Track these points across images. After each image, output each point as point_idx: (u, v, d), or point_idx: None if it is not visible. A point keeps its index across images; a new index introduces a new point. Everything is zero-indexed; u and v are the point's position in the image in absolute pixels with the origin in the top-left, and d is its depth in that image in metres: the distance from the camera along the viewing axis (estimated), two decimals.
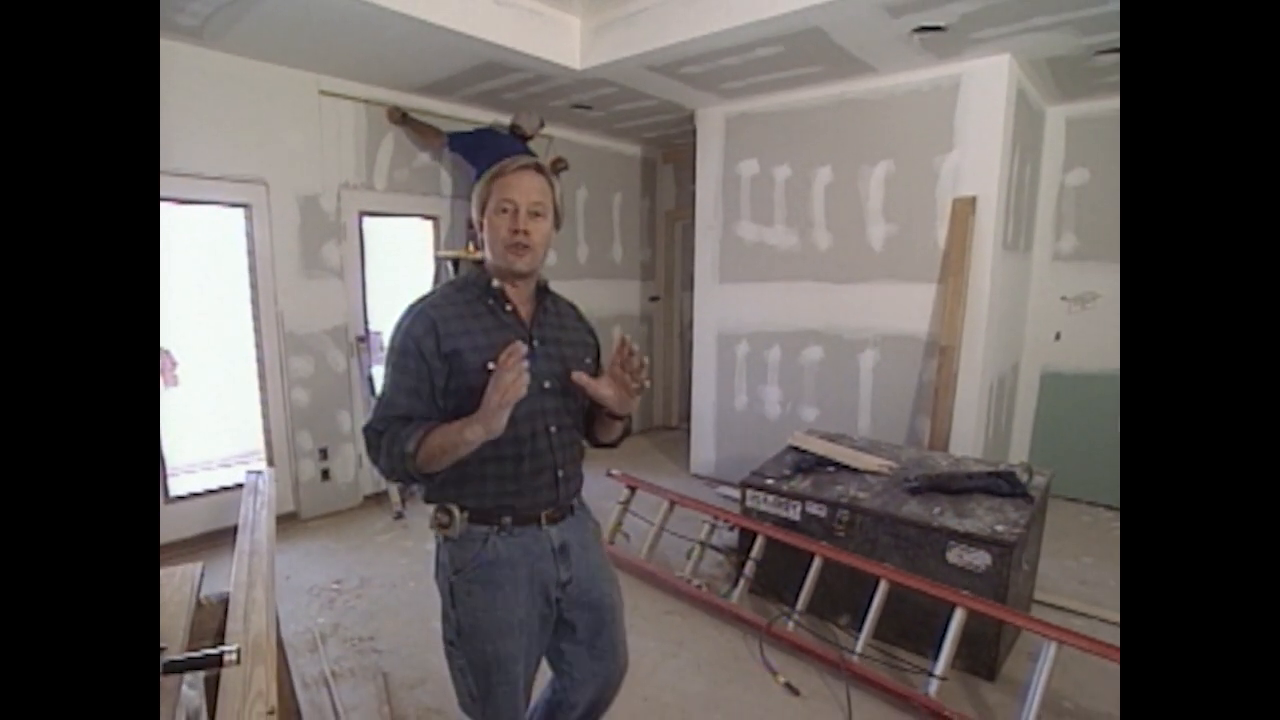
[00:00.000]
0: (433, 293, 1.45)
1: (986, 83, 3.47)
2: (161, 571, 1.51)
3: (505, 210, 1.36)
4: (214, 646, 1.35)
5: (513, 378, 1.20)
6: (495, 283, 1.42)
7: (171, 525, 3.45)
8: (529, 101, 4.33)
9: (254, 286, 3.70)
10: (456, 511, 1.39)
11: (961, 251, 3.56)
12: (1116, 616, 2.89)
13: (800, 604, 2.74)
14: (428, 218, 4.54)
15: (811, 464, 3.15)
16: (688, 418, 5.18)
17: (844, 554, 2.66)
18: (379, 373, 4.33)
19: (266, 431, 3.83)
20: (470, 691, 1.44)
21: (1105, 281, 4.21)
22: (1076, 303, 4.33)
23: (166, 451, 3.51)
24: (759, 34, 3.17)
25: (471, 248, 4.22)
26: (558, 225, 1.46)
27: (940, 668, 2.28)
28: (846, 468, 3.09)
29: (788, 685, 2.43)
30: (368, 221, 4.21)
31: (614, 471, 3.54)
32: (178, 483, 3.65)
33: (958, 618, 2.31)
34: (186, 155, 3.33)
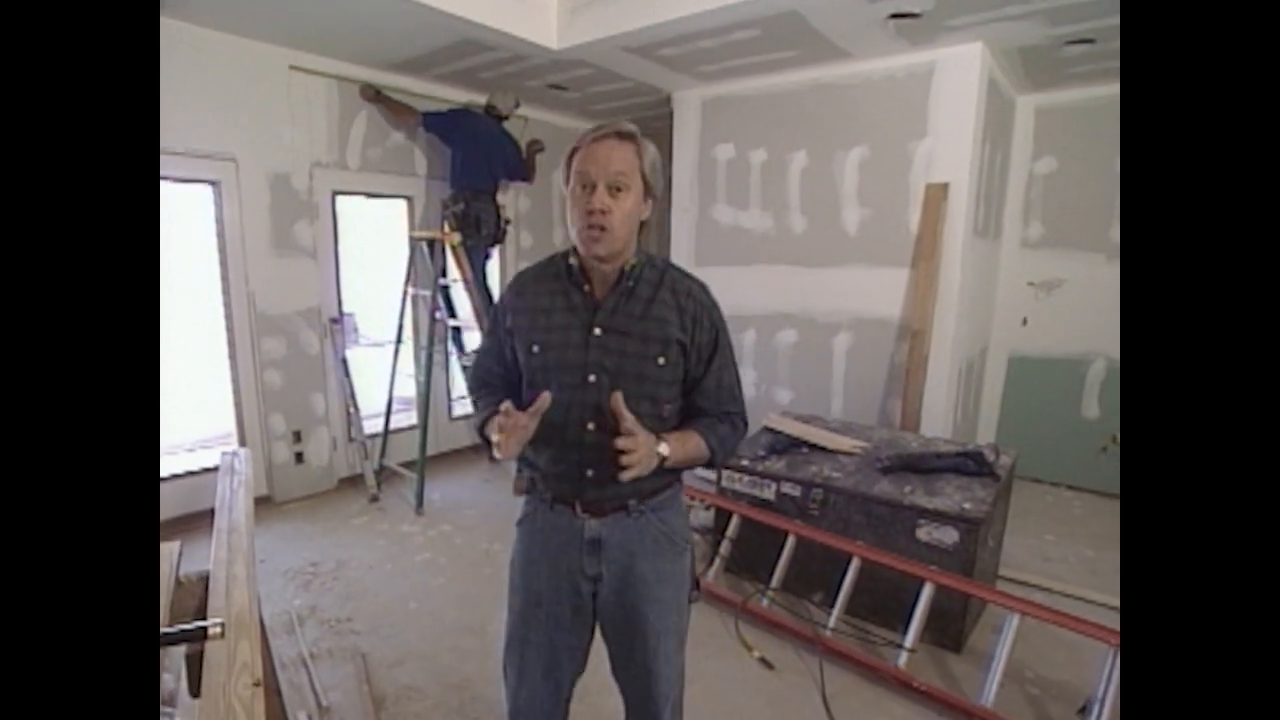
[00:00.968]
0: (531, 266, 1.44)
1: (959, 70, 3.52)
2: None
3: (584, 187, 1.24)
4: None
5: (500, 438, 1.18)
6: (572, 259, 1.34)
7: None
8: (504, 81, 4.28)
9: (224, 265, 3.62)
10: (525, 471, 1.42)
11: (933, 237, 3.62)
12: (1076, 591, 3.01)
13: (775, 581, 2.80)
14: (402, 198, 4.49)
15: (786, 445, 3.20)
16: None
17: (817, 532, 2.72)
18: (353, 355, 4.30)
19: (238, 414, 3.78)
20: (507, 635, 1.49)
21: (1071, 268, 4.32)
22: (1043, 289, 4.44)
23: None
24: (737, 16, 3.17)
25: (445, 229, 4.18)
26: (652, 198, 1.30)
27: (910, 640, 2.36)
28: (820, 448, 3.15)
29: (763, 660, 2.49)
30: (341, 201, 4.15)
31: None
32: None
33: (927, 592, 2.39)
34: None
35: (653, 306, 1.31)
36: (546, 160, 4.98)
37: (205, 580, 1.45)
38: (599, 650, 1.48)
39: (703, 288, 1.38)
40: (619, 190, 1.24)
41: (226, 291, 3.65)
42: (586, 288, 1.33)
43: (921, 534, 2.54)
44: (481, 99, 4.40)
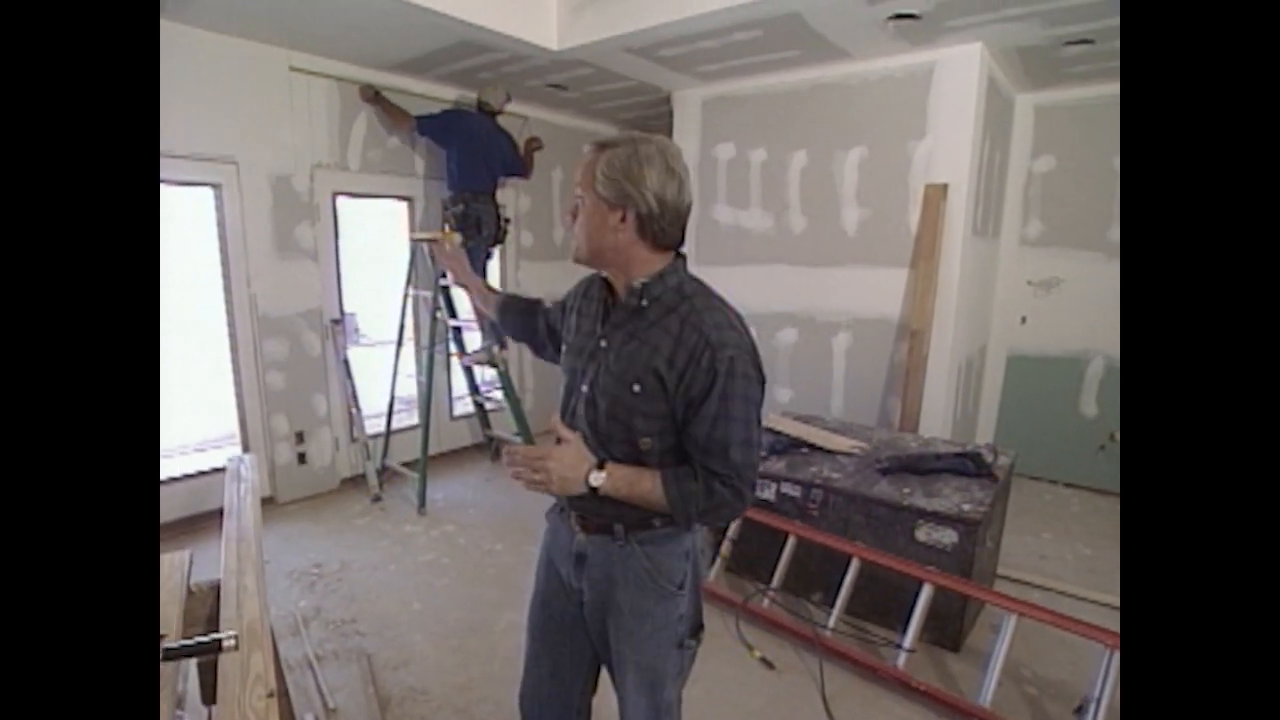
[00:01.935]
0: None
1: (959, 70, 3.53)
2: None
3: None
4: (206, 633, 1.37)
5: (512, 472, 1.23)
6: (603, 271, 1.35)
7: None
8: (505, 81, 4.28)
9: (225, 268, 3.63)
10: None
11: (933, 237, 3.64)
12: (1074, 589, 3.04)
13: (775, 581, 2.83)
14: (402, 199, 4.49)
15: (786, 445, 3.22)
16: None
17: (817, 533, 2.75)
18: (354, 355, 4.31)
19: (241, 415, 3.80)
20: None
21: (1069, 266, 4.34)
22: (1041, 287, 4.46)
23: None
24: (738, 18, 3.18)
25: (446, 229, 4.18)
26: (627, 206, 1.20)
27: (908, 641, 2.39)
28: (820, 449, 3.18)
29: (763, 659, 2.52)
30: (342, 202, 4.15)
31: None
32: None
33: (925, 593, 2.41)
34: None
35: (651, 330, 1.23)
36: (545, 158, 4.98)
37: (216, 589, 1.48)
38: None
39: (721, 326, 1.20)
40: (579, 201, 1.26)
41: (228, 293, 3.66)
42: (611, 300, 1.34)
43: (920, 535, 2.57)
44: (473, 95, 4.39)
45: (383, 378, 4.41)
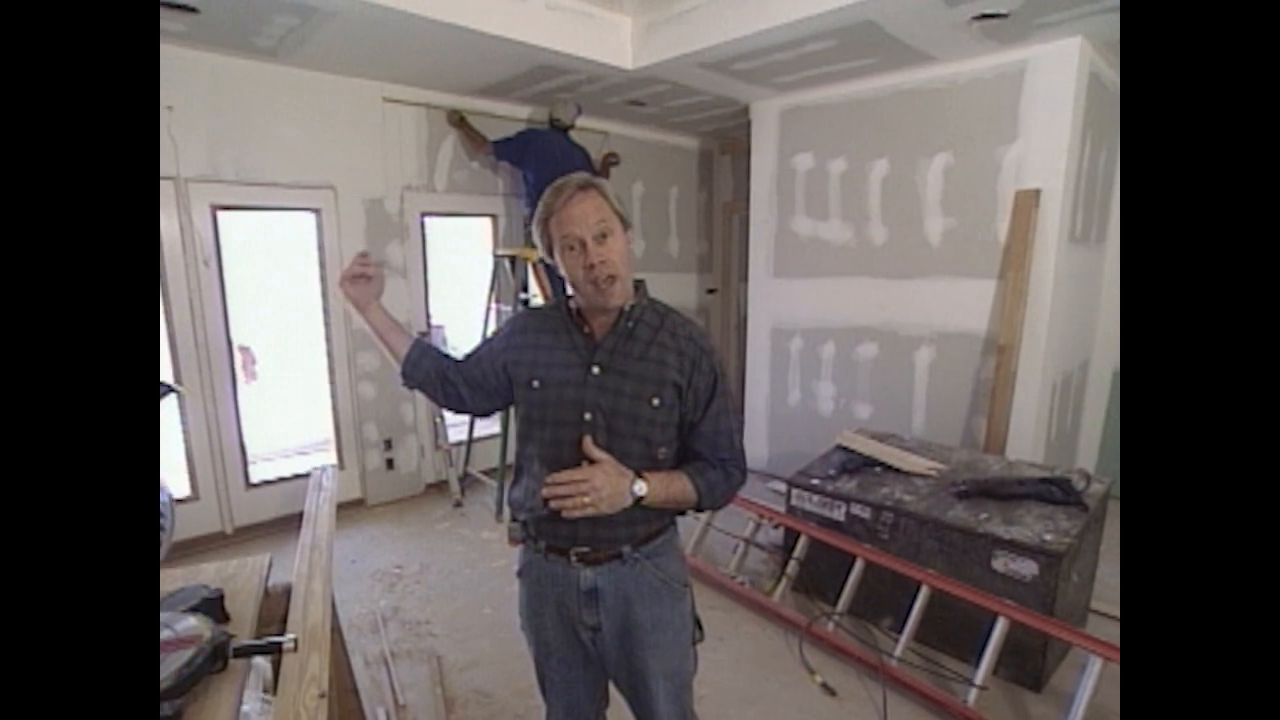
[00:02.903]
0: (534, 308, 1.51)
1: (1055, 68, 3.32)
2: (234, 562, 1.67)
3: (573, 249, 1.27)
4: (278, 632, 1.49)
5: (555, 503, 1.23)
6: (573, 303, 1.38)
7: (250, 510, 3.76)
8: (584, 100, 4.39)
9: (324, 285, 3.92)
10: (517, 526, 1.44)
11: (1023, 246, 3.43)
12: None
13: (841, 605, 2.74)
14: (486, 216, 4.69)
15: (858, 464, 3.13)
16: (741, 410, 5.18)
17: (887, 557, 2.65)
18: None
19: (335, 423, 4.08)
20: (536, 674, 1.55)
21: None
22: None
23: (246, 440, 3.78)
24: (810, 29, 3.13)
25: (526, 246, 4.33)
26: (629, 228, 1.33)
27: (980, 677, 2.26)
28: (893, 469, 3.06)
29: (825, 685, 2.46)
30: (429, 221, 4.39)
31: None
32: (256, 470, 3.93)
33: (1000, 627, 2.28)
34: (266, 166, 3.58)
35: (651, 348, 1.32)
36: (627, 172, 5.07)
37: (288, 592, 1.60)
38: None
39: (702, 333, 1.38)
40: (605, 236, 1.27)
41: (326, 310, 3.95)
42: (587, 329, 1.36)
43: (998, 564, 2.43)
44: (544, 110, 4.50)
45: None
